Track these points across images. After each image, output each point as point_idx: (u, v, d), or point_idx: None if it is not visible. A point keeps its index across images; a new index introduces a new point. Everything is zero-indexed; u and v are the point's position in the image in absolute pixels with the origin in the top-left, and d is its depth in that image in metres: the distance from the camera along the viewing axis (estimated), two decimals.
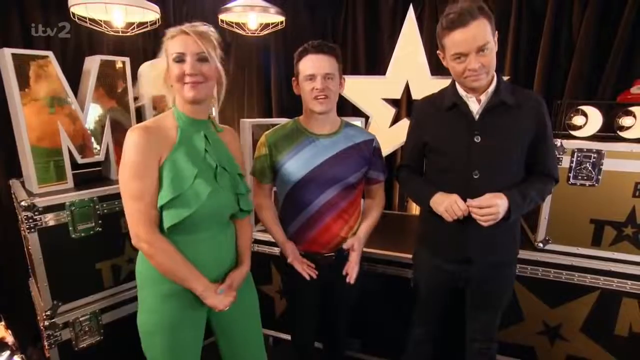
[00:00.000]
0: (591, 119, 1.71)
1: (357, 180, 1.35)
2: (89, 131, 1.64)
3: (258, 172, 1.36)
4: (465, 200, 1.19)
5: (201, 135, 1.09)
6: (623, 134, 1.65)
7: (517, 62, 2.33)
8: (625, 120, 1.65)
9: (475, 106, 1.23)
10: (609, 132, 1.68)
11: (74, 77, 1.67)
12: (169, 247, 1.03)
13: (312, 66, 1.23)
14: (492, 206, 1.14)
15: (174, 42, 1.03)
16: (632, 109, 1.64)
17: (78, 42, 2.10)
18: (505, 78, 2.17)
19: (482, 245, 1.27)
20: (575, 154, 1.61)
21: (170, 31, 1.04)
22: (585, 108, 1.72)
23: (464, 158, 1.23)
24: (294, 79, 1.32)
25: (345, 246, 1.34)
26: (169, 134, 1.04)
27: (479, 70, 1.14)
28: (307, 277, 1.29)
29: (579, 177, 1.62)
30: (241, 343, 1.27)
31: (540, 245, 1.71)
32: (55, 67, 1.49)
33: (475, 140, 1.22)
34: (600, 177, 1.59)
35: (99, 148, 1.69)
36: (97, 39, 2.14)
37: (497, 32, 1.18)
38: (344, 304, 1.52)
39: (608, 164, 1.58)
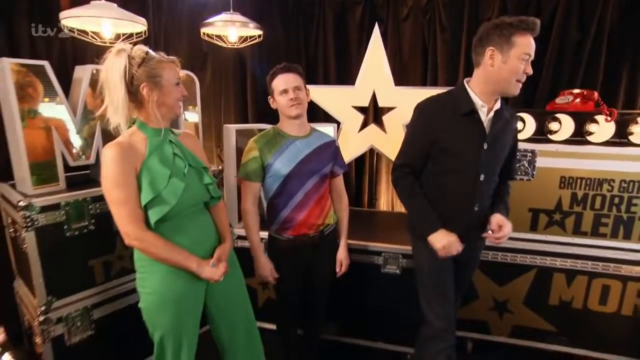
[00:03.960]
0: (528, 124, 2.01)
1: (329, 171, 1.62)
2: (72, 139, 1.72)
3: (251, 172, 1.54)
4: (474, 202, 1.40)
5: (167, 141, 1.27)
6: (551, 137, 1.97)
7: (468, 74, 2.65)
8: (553, 125, 1.97)
9: (484, 116, 1.37)
10: (541, 135, 1.99)
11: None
12: (157, 239, 1.18)
13: (284, 82, 1.49)
14: (508, 233, 1.38)
15: (171, 69, 1.21)
16: (558, 115, 1.96)
17: (62, 51, 2.17)
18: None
19: (477, 237, 1.50)
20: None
21: (161, 58, 1.20)
22: (523, 115, 2.02)
23: (474, 162, 1.37)
24: (269, 97, 1.57)
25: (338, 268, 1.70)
26: (139, 146, 1.20)
27: (525, 77, 1.31)
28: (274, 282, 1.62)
29: (519, 173, 1.92)
30: (232, 310, 1.45)
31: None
32: (50, 76, 1.59)
33: (484, 147, 1.37)
34: (534, 172, 1.91)
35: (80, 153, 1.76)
36: (81, 48, 2.23)
37: None
38: (323, 287, 1.73)
39: (540, 162, 1.89)
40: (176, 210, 1.21)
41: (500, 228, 1.38)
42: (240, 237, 2.14)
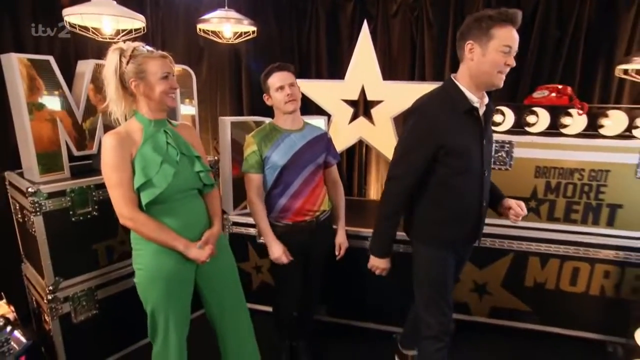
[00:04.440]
0: (507, 117, 2.13)
1: (322, 161, 1.73)
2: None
3: (252, 165, 1.63)
4: (482, 193, 1.41)
5: (162, 131, 1.37)
6: (529, 129, 2.10)
7: (454, 69, 2.77)
8: (531, 118, 2.09)
9: (480, 112, 1.37)
10: (519, 127, 2.11)
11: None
12: (148, 219, 1.30)
13: (279, 80, 1.59)
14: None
15: (157, 63, 1.28)
16: (535, 109, 2.08)
17: (65, 47, 2.27)
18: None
19: (481, 231, 1.54)
20: (494, 144, 2.03)
21: (147, 54, 1.28)
22: (503, 108, 2.14)
23: (480, 159, 1.37)
24: (264, 95, 1.66)
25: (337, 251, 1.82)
26: (135, 135, 1.31)
27: (508, 69, 1.28)
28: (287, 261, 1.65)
29: (497, 163, 2.04)
30: (222, 291, 1.55)
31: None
32: (55, 70, 1.69)
33: (483, 143, 1.37)
34: (512, 162, 2.03)
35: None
36: (83, 44, 2.32)
37: None
38: (319, 270, 1.85)
39: (517, 152, 2.01)
40: (167, 194, 1.31)
41: (521, 207, 1.44)
42: (235, 224, 2.26)
